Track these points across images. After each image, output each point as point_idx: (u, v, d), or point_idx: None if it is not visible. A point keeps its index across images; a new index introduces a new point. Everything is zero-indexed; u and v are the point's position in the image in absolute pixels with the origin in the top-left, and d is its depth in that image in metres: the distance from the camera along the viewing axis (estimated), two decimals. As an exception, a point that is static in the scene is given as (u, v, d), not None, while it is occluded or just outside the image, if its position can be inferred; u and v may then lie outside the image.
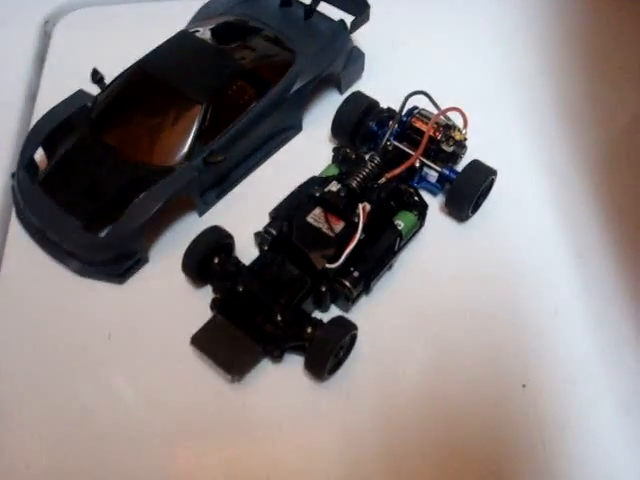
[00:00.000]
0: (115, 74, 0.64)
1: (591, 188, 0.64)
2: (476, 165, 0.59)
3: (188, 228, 0.60)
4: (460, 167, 0.61)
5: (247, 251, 0.58)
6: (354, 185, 0.56)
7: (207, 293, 0.56)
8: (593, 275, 0.59)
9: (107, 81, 0.63)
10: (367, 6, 0.66)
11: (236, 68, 0.61)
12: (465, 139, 0.61)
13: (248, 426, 0.51)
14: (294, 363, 0.53)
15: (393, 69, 0.71)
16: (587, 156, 0.66)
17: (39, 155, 0.61)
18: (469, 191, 0.58)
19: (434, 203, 0.62)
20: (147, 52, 0.64)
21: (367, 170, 0.57)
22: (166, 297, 0.57)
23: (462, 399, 0.53)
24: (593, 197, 0.63)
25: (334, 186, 0.56)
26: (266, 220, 0.58)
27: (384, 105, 0.64)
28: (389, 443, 0.51)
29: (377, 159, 0.58)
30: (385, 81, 0.70)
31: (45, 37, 0.78)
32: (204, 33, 0.65)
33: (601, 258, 0.60)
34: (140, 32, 0.73)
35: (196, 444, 0.51)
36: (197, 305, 0.55)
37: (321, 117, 0.67)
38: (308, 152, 0.65)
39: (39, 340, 0.55)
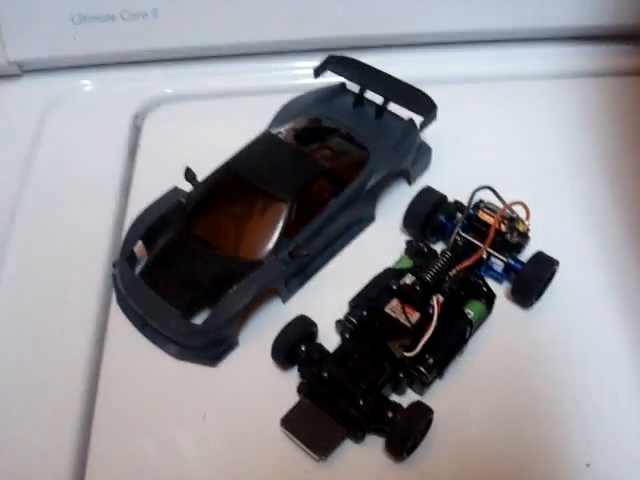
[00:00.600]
0: (202, 165, 0.70)
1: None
2: (540, 256, 0.64)
3: (273, 313, 0.66)
4: (524, 256, 0.65)
5: (328, 336, 0.63)
6: (428, 279, 0.61)
7: (293, 375, 0.61)
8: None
9: (198, 174, 0.69)
10: (435, 107, 0.71)
11: (316, 169, 0.67)
12: (528, 230, 0.66)
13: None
14: (374, 443, 0.57)
15: (457, 162, 0.76)
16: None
17: (137, 246, 0.67)
18: (534, 281, 0.63)
19: (499, 290, 0.66)
20: (232, 145, 0.70)
21: (440, 264, 0.62)
22: (255, 379, 0.62)
23: (531, 478, 0.56)
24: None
25: (409, 279, 0.61)
26: (344, 307, 0.63)
27: (450, 197, 0.69)
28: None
29: (448, 254, 0.63)
30: (450, 173, 0.75)
31: (135, 130, 0.85)
32: (286, 134, 0.71)
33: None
34: (225, 125, 0.81)
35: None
36: (284, 387, 0.60)
37: (392, 208, 0.72)
38: (380, 242, 0.70)
39: (141, 419, 0.61)
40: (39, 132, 0.84)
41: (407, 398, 0.59)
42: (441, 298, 0.59)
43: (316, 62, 0.77)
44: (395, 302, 0.61)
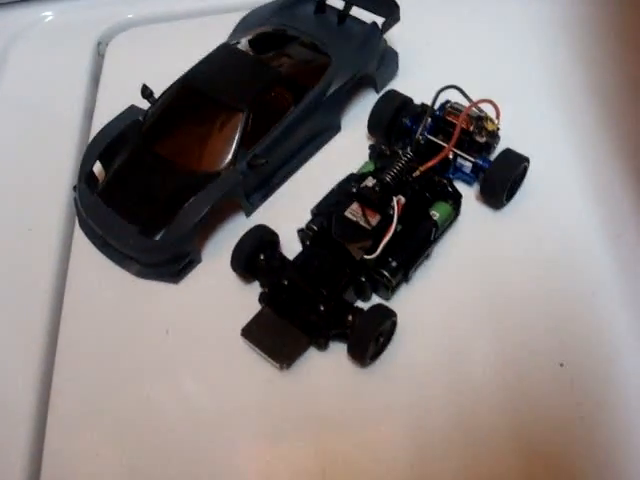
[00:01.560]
0: (164, 88, 0.68)
1: (624, 168, 0.64)
2: (508, 153, 0.61)
3: (236, 228, 0.63)
4: (494, 157, 0.63)
5: (292, 247, 0.61)
6: (388, 179, 0.58)
7: (255, 288, 0.60)
8: (631, 254, 0.60)
9: (156, 96, 0.68)
10: (397, 7, 0.68)
11: (274, 75, 0.64)
12: (498, 129, 0.63)
13: (297, 412, 0.54)
14: (338, 351, 0.56)
15: (427, 66, 0.73)
16: (619, 136, 0.67)
17: (96, 168, 0.66)
18: (502, 179, 0.60)
19: (470, 193, 0.64)
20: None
21: (400, 164, 0.59)
22: (218, 293, 0.61)
23: (501, 380, 0.54)
24: (628, 178, 0.64)
25: (370, 181, 0.59)
26: (308, 217, 0.62)
27: (418, 102, 0.67)
28: (422, 425, 0.53)
29: (409, 153, 0.60)
30: (419, 79, 0.72)
31: (99, 58, 0.83)
32: (244, 44, 0.69)
33: (638, 237, 0.60)
34: (186, 47, 0.76)
35: (248, 431, 0.54)
36: (246, 299, 0.59)
37: (359, 117, 0.69)
38: (346, 151, 0.68)
39: (104, 339, 0.60)
40: (2, 64, 0.82)
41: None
42: (402, 199, 0.57)
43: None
44: (355, 206, 0.58)
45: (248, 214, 0.65)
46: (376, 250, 0.55)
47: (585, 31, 0.76)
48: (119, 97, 0.74)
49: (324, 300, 0.55)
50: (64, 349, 0.60)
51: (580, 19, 0.77)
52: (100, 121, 0.73)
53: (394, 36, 0.71)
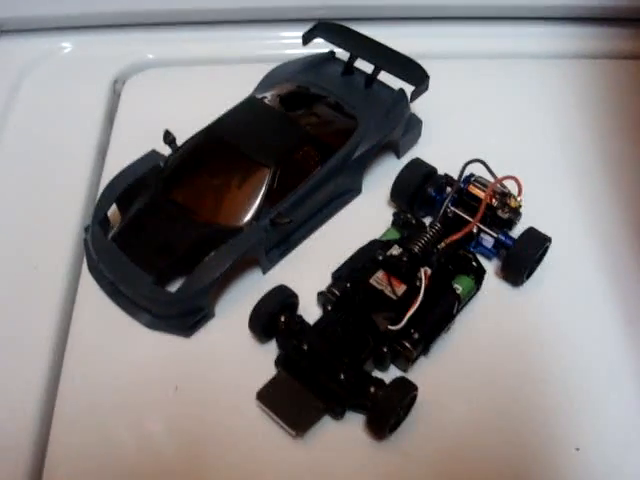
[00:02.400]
0: (181, 133, 0.67)
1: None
2: (532, 233, 0.61)
3: (252, 284, 0.63)
4: (515, 233, 0.63)
5: (309, 309, 0.60)
6: (416, 250, 0.58)
7: (271, 348, 0.59)
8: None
9: (177, 141, 0.67)
10: (427, 77, 0.68)
11: (302, 134, 0.64)
12: (520, 206, 0.63)
13: (308, 480, 0.53)
14: (355, 421, 0.55)
15: (448, 136, 0.74)
16: (638, 216, 0.68)
17: (110, 210, 0.64)
18: (525, 258, 0.60)
19: (489, 267, 0.64)
20: (214, 113, 0.67)
21: (428, 236, 0.60)
22: (231, 351, 0.59)
23: (518, 460, 0.54)
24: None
25: (396, 250, 0.59)
26: (326, 279, 0.61)
27: (440, 171, 0.67)
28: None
29: (438, 225, 0.60)
30: (440, 146, 0.73)
31: (114, 96, 0.82)
32: (271, 99, 0.68)
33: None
34: (203, 93, 0.78)
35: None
36: (261, 360, 0.58)
37: (379, 181, 0.70)
38: (367, 214, 0.68)
39: (107, 391, 0.57)
40: (16, 93, 0.81)
41: (390, 375, 0.56)
42: (429, 271, 0.57)
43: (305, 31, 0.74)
44: (381, 274, 0.58)
45: (265, 271, 0.64)
46: (401, 321, 0.55)
47: (603, 107, 0.78)
48: (134, 138, 0.74)
49: (345, 369, 0.54)
50: (64, 397, 0.57)
51: (598, 95, 0.80)
52: (113, 160, 0.73)
53: (417, 103, 0.71)
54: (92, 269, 0.64)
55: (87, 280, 0.64)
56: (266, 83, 0.72)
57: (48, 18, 0.84)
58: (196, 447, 0.55)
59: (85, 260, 0.65)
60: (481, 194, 0.63)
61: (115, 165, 0.68)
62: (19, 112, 0.79)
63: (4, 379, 0.59)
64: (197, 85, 0.81)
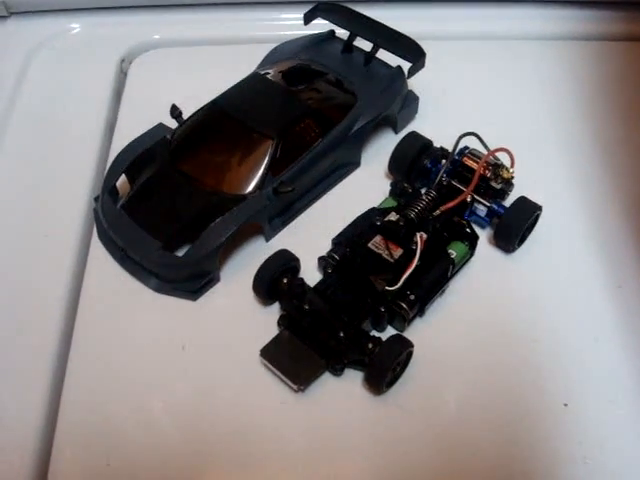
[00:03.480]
0: (187, 111, 0.70)
1: (630, 222, 0.68)
2: (523, 201, 0.64)
3: (256, 251, 0.65)
4: (507, 202, 0.66)
5: (310, 274, 0.63)
6: (412, 215, 0.61)
7: (274, 310, 0.61)
8: (630, 304, 0.63)
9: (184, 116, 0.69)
10: (423, 54, 0.71)
11: (304, 108, 0.67)
12: (512, 177, 0.66)
13: (310, 435, 0.56)
14: (354, 377, 0.58)
15: (443, 112, 0.77)
16: (627, 189, 0.71)
17: (120, 182, 0.67)
18: (516, 225, 0.63)
19: (482, 235, 0.66)
20: (219, 91, 0.69)
21: (424, 202, 0.62)
22: (236, 313, 0.62)
23: (508, 415, 0.57)
24: (632, 231, 0.67)
25: (393, 216, 0.61)
26: (326, 246, 0.63)
27: (436, 144, 0.70)
28: (438, 454, 0.55)
29: (433, 193, 0.63)
30: (436, 122, 0.75)
31: (121, 75, 0.85)
32: (274, 75, 0.71)
33: (638, 288, 0.64)
34: (211, 72, 0.80)
35: (260, 451, 0.55)
36: (265, 321, 0.60)
37: (378, 154, 0.72)
38: (366, 186, 0.70)
39: (118, 351, 0.60)
40: (25, 74, 0.83)
41: (388, 335, 0.58)
42: (425, 235, 0.59)
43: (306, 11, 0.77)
44: (378, 238, 0.61)
45: (268, 238, 0.67)
46: (398, 282, 0.57)
47: (594, 88, 0.81)
48: (140, 114, 0.76)
49: (344, 327, 0.57)
50: (76, 358, 0.60)
51: (589, 76, 0.82)
52: (121, 136, 0.75)
53: (415, 81, 0.74)
54: (102, 237, 0.66)
55: (97, 247, 0.66)
56: (269, 60, 0.75)
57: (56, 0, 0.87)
58: (203, 401, 0.57)
59: (95, 229, 0.68)
60: (475, 165, 0.65)
61: (122, 140, 0.70)
62: (29, 91, 0.81)
63: (17, 345, 0.61)
64: (201, 65, 0.84)
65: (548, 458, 0.55)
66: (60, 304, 0.64)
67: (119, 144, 0.71)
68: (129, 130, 0.71)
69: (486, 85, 0.80)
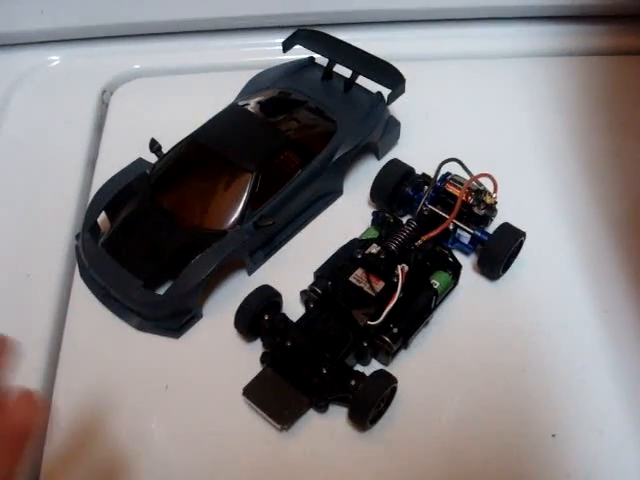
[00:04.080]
0: (168, 140, 0.69)
1: (615, 245, 0.67)
2: (506, 228, 0.63)
3: (238, 285, 0.65)
4: (491, 229, 0.65)
5: (293, 307, 0.62)
6: (393, 248, 0.60)
7: (256, 346, 0.61)
8: (617, 329, 0.62)
9: (164, 150, 0.69)
10: (403, 80, 0.71)
11: (283, 140, 0.66)
12: (495, 202, 0.65)
13: (294, 472, 0.55)
14: (337, 414, 0.57)
15: (426, 137, 0.76)
16: (611, 213, 0.70)
17: (100, 218, 0.67)
18: (500, 252, 0.62)
19: (466, 262, 0.66)
20: (199, 121, 0.69)
21: (405, 234, 0.62)
22: (218, 350, 0.61)
23: (496, 448, 0.56)
24: (617, 254, 0.67)
25: (374, 248, 0.61)
26: (309, 278, 0.63)
27: (418, 170, 0.69)
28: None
29: (414, 223, 0.62)
30: (419, 147, 0.75)
31: (103, 106, 0.84)
32: (253, 106, 0.70)
33: (625, 313, 0.63)
34: (192, 100, 0.81)
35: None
36: (247, 358, 0.60)
37: (360, 181, 0.72)
38: (348, 214, 0.70)
39: (101, 391, 0.60)
40: (5, 106, 0.83)
41: (372, 370, 0.58)
42: (406, 267, 0.59)
43: (285, 38, 0.76)
44: (360, 271, 0.60)
45: (250, 272, 0.66)
46: (380, 317, 0.57)
47: (579, 105, 0.80)
48: (122, 146, 0.76)
49: (327, 363, 0.56)
50: (60, 398, 0.59)
51: (574, 93, 0.82)
52: (102, 169, 0.75)
53: (395, 106, 0.74)
54: (84, 275, 0.66)
55: (79, 286, 0.66)
56: (248, 90, 0.75)
57: (34, 32, 0.86)
58: (186, 442, 0.57)
59: (77, 266, 0.67)
60: (457, 192, 0.65)
61: (105, 173, 0.70)
62: (9, 125, 0.81)
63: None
64: (182, 93, 0.83)
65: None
66: (44, 343, 0.63)
67: (101, 178, 0.71)
68: (110, 164, 0.70)
69: (467, 106, 0.80)
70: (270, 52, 0.83)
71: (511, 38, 0.87)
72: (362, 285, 0.59)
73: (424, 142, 0.76)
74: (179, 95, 0.83)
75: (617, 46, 0.87)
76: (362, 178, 0.72)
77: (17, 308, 0.65)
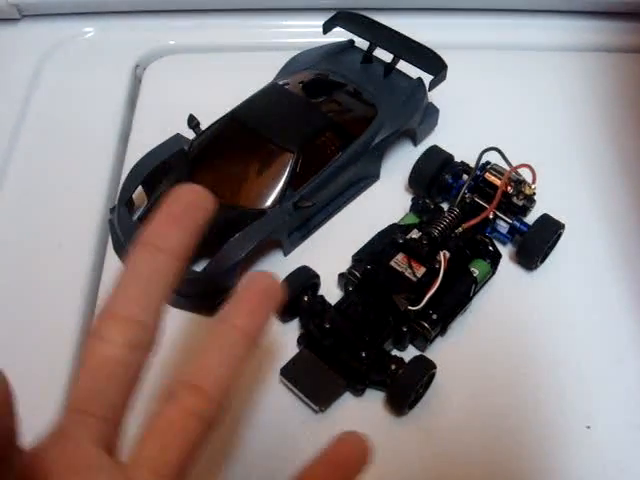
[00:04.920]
0: (202, 118, 0.68)
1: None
2: (547, 219, 0.63)
3: (274, 266, 0.64)
4: (529, 219, 0.65)
5: (329, 290, 0.62)
6: (435, 234, 0.60)
7: (292, 328, 0.61)
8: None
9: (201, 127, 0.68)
10: (445, 67, 0.70)
11: (324, 121, 0.66)
12: (534, 193, 0.65)
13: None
14: (375, 397, 0.57)
15: (464, 124, 0.75)
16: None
17: (136, 192, 0.66)
18: (539, 244, 0.62)
19: (504, 252, 0.65)
20: (235, 99, 0.68)
21: (447, 220, 0.61)
22: (254, 330, 0.61)
23: (530, 437, 0.56)
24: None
25: (415, 234, 0.61)
26: (346, 262, 0.62)
27: (457, 158, 0.69)
28: (459, 476, 0.54)
29: (456, 210, 0.62)
30: (457, 135, 0.74)
31: (136, 81, 0.83)
32: (293, 86, 0.70)
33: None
34: (227, 80, 0.79)
35: (279, 472, 0.54)
36: (284, 339, 0.60)
37: (396, 166, 0.71)
38: (385, 200, 0.69)
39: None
40: (37, 78, 0.81)
41: (409, 355, 0.58)
42: (448, 254, 0.59)
43: (325, 20, 0.75)
44: (401, 256, 0.60)
45: (286, 253, 0.66)
46: (421, 302, 0.57)
47: (619, 101, 0.79)
48: (155, 122, 0.75)
49: (366, 347, 0.56)
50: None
51: (613, 88, 0.81)
52: (135, 144, 0.74)
53: (434, 91, 0.73)
54: (118, 249, 0.65)
55: (112, 260, 0.65)
56: (287, 70, 0.74)
57: (70, 3, 0.85)
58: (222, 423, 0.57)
59: (110, 240, 0.67)
60: (497, 181, 0.65)
61: (137, 148, 0.69)
62: (41, 96, 0.79)
63: (31, 358, 0.60)
64: (217, 72, 0.82)
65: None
66: (75, 318, 0.63)
67: (134, 153, 0.70)
68: (144, 139, 0.70)
69: (507, 96, 0.79)
70: (308, 34, 0.82)
71: (552, 31, 0.86)
72: (403, 270, 0.59)
73: (461, 130, 0.75)
74: (214, 73, 0.82)
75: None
76: (399, 164, 0.71)
77: (49, 279, 0.65)
